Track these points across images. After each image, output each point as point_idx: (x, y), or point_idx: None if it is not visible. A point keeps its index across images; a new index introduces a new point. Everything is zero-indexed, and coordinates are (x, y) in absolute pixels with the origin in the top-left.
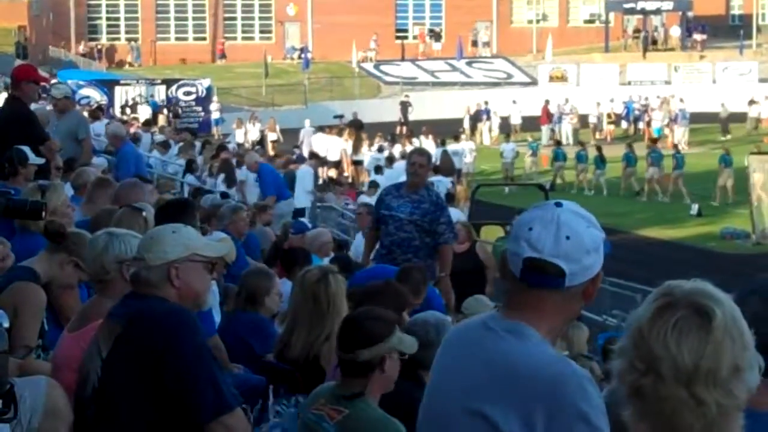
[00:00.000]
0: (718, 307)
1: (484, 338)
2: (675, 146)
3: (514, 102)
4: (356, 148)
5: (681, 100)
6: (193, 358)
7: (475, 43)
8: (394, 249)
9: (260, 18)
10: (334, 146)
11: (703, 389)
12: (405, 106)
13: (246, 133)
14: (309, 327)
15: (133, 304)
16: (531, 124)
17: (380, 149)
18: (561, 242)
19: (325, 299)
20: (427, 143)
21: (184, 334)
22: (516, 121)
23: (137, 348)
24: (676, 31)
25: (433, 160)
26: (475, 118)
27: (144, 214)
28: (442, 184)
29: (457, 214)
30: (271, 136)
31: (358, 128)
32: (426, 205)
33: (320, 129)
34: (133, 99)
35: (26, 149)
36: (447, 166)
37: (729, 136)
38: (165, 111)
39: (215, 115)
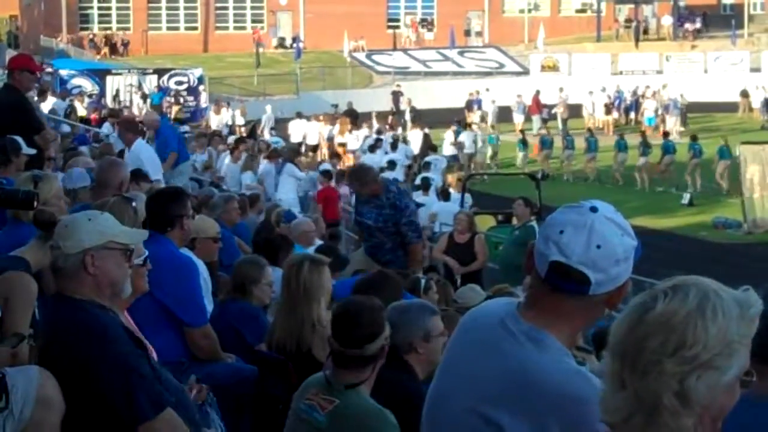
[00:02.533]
0: (664, 300)
1: (502, 341)
2: (621, 135)
3: (487, 90)
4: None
5: (664, 87)
6: (103, 371)
7: (467, 33)
8: (374, 252)
9: (252, 7)
10: (311, 131)
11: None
12: (397, 95)
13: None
14: (285, 313)
15: (53, 311)
16: (508, 114)
17: (379, 131)
18: (591, 250)
19: (295, 284)
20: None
21: (94, 347)
22: (487, 108)
23: (56, 361)
24: (667, 20)
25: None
26: (468, 108)
27: (134, 204)
28: (439, 162)
29: (453, 206)
30: (239, 120)
31: (352, 117)
32: (387, 210)
33: (298, 115)
34: (128, 89)
35: (19, 139)
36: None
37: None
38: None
39: (204, 104)
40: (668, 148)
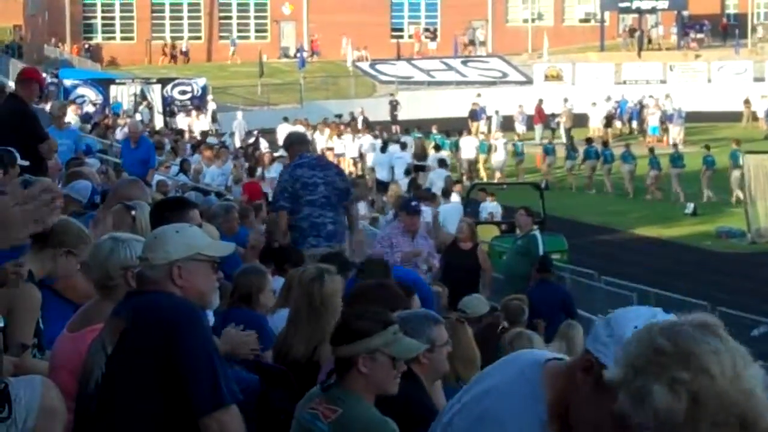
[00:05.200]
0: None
1: None
2: (605, 143)
3: (479, 95)
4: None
5: (667, 96)
6: (195, 350)
7: (471, 42)
8: None
9: (256, 17)
10: None
11: (746, 381)
12: (393, 105)
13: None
14: (308, 326)
15: (138, 300)
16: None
17: (375, 136)
18: None
19: (318, 298)
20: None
21: (187, 327)
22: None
23: (143, 341)
24: (661, 30)
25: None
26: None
27: (133, 212)
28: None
29: (458, 208)
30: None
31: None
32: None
33: (284, 120)
34: (131, 98)
35: (14, 151)
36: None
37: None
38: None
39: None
40: (589, 154)
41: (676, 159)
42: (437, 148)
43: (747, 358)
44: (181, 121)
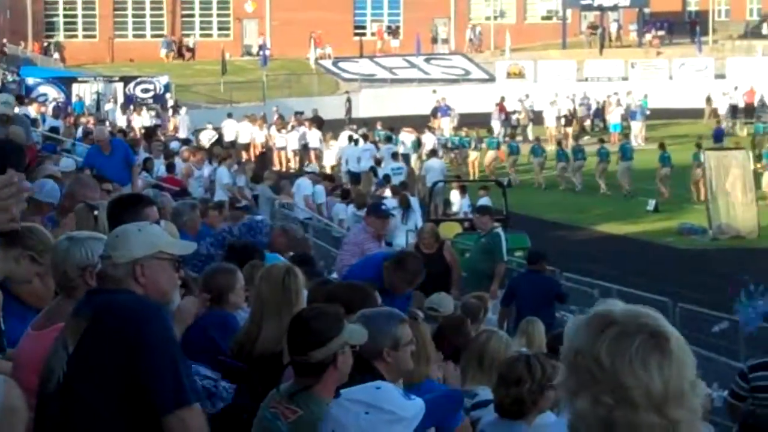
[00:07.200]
0: (668, 327)
1: None
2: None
3: (434, 91)
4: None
5: (628, 93)
6: (158, 349)
7: (433, 40)
8: None
9: (218, 15)
10: (244, 131)
11: (674, 410)
12: (349, 102)
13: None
14: (280, 318)
15: (99, 298)
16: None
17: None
18: None
19: (294, 289)
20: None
21: (150, 324)
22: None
23: (105, 340)
24: (616, 27)
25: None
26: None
27: (95, 213)
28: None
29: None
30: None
31: (319, 124)
32: None
33: (229, 116)
34: (94, 96)
35: None
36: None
37: (586, 138)
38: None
39: (170, 112)
40: (513, 149)
41: (626, 151)
42: (389, 139)
43: (691, 380)
44: (120, 119)
